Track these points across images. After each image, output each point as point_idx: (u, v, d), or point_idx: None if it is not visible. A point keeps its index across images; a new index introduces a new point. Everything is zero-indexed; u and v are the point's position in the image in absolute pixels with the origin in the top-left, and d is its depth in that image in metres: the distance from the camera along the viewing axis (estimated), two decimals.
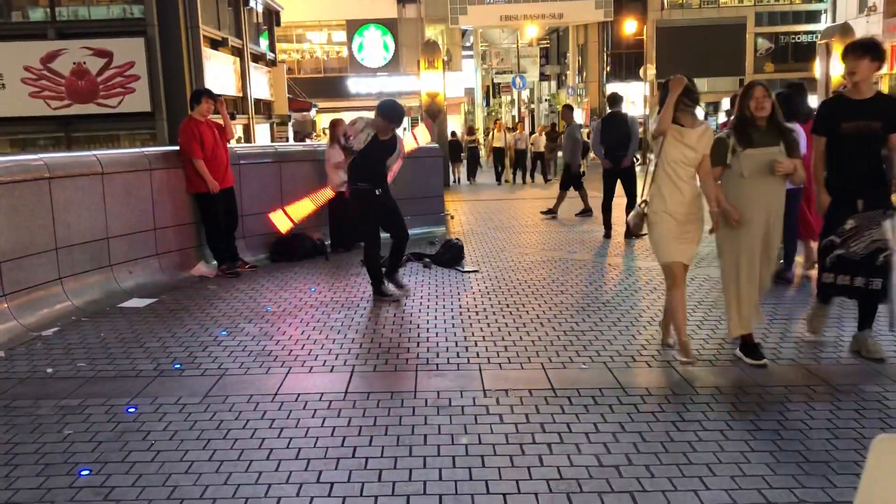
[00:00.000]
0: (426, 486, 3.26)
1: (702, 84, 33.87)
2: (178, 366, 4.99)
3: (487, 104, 53.89)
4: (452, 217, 12.95)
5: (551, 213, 12.86)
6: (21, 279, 5.96)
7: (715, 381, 4.48)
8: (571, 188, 12.98)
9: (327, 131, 9.75)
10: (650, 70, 40.40)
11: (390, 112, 6.70)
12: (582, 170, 14.14)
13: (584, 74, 46.68)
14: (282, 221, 8.33)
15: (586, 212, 12.82)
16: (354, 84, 37.20)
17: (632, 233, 4.06)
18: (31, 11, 21.12)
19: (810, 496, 3.12)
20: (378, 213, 6.84)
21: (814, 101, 14.67)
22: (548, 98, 51.99)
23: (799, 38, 43.04)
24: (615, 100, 10.54)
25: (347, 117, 10.57)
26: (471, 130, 30.38)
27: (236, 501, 3.17)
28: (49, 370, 4.95)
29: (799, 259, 7.30)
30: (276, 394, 4.43)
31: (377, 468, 3.44)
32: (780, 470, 3.35)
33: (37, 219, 6.16)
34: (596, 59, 45.50)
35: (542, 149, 24.44)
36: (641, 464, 3.43)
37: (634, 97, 43.04)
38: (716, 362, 4.85)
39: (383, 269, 6.90)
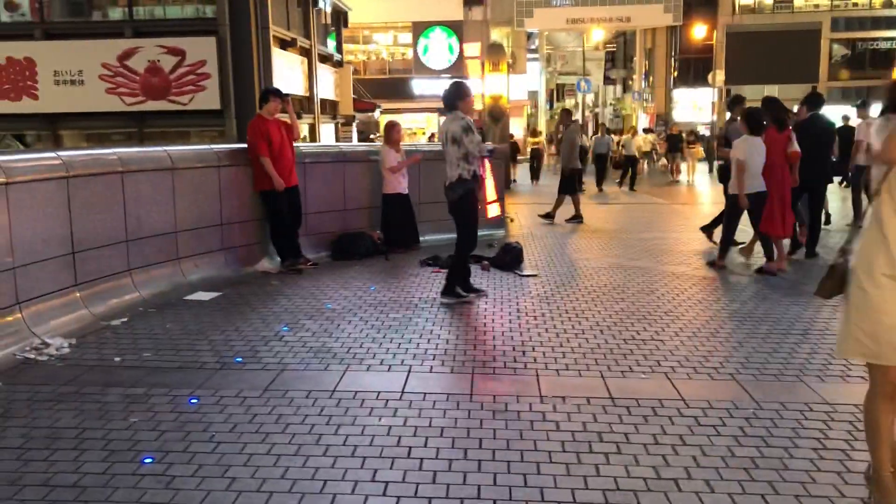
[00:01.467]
0: (480, 491, 3.24)
1: (772, 91, 33.05)
2: (239, 359, 5.09)
3: (551, 107, 53.55)
4: (512, 220, 12.92)
5: (549, 217, 13.08)
6: (93, 270, 6.16)
7: (780, 397, 4.35)
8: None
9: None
10: (719, 75, 39.59)
11: (445, 100, 6.66)
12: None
13: (651, 79, 46.03)
14: (493, 209, 8.02)
15: (576, 218, 12.85)
16: (419, 85, 37.42)
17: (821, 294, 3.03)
18: (111, 11, 21.83)
19: None
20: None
21: None
22: (612, 102, 51.45)
23: (877, 45, 41.58)
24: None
25: (410, 119, 10.62)
26: (534, 132, 30.32)
27: (292, 496, 3.21)
28: (117, 359, 5.10)
29: None
30: (333, 390, 4.48)
31: (432, 469, 3.44)
32: (848, 492, 3.23)
33: (109, 211, 6.36)
34: (663, 63, 44.84)
35: (634, 151, 22.46)
36: (701, 478, 3.36)
37: (702, 103, 42.23)
38: (781, 377, 4.71)
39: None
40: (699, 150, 27.94)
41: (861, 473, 3.35)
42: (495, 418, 4.05)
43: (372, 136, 33.53)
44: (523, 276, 7.95)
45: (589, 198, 17.60)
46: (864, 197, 12.37)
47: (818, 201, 9.07)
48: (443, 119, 6.76)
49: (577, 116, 37.85)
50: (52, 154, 5.97)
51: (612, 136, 28.16)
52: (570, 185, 13.05)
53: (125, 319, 6.07)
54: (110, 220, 6.38)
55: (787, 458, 3.56)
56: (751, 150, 7.86)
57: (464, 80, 7.27)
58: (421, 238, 9.75)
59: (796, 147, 8.12)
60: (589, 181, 20.77)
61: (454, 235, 6.77)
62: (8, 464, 3.51)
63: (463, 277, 6.92)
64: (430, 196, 9.85)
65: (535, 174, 24.90)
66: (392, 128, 9.83)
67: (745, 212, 8.14)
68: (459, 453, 3.62)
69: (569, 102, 49.42)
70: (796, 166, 8.25)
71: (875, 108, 11.26)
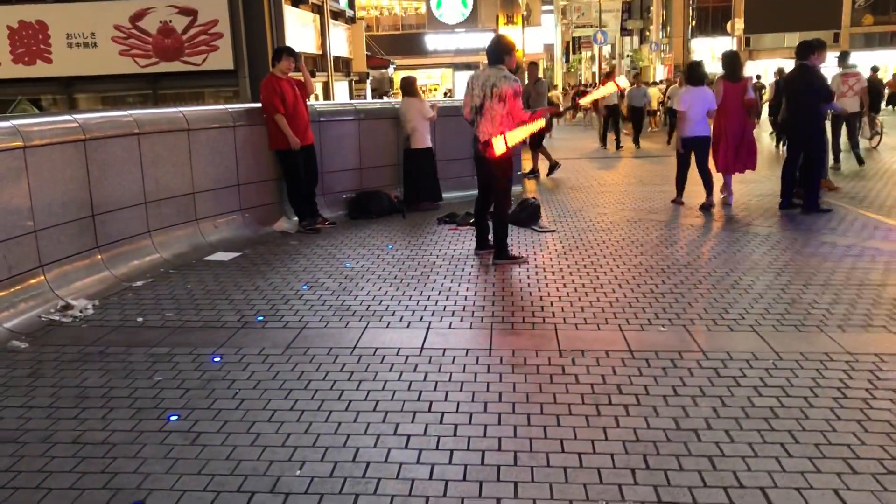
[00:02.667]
0: (501, 443, 3.28)
1: (793, 39, 32.36)
2: (260, 318, 5.14)
3: (567, 60, 52.81)
4: (536, 176, 12.85)
5: (553, 170, 13.16)
6: (113, 232, 6.22)
7: (800, 348, 4.34)
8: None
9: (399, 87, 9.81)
10: (738, 24, 38.83)
11: (490, 53, 6.54)
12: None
13: (668, 29, 45.22)
14: (500, 145, 8.09)
15: (556, 166, 13.19)
16: (432, 41, 36.99)
17: None
18: None
19: None
20: None
21: None
22: (629, 54, 50.65)
23: None
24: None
25: (424, 75, 10.53)
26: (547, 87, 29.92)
27: (316, 450, 3.26)
28: (139, 319, 5.17)
29: None
30: (354, 347, 4.52)
31: (452, 423, 3.48)
32: (868, 440, 3.24)
33: (127, 173, 6.39)
34: (681, 13, 43.98)
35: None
36: (721, 428, 3.37)
37: (721, 53, 41.44)
38: (801, 328, 4.70)
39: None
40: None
41: (881, 422, 3.35)
42: (514, 372, 4.08)
43: (388, 91, 33.30)
44: (541, 231, 7.93)
45: (631, 154, 17.43)
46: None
47: (810, 156, 8.63)
48: (482, 72, 6.55)
49: (595, 69, 37.31)
50: (69, 117, 5.99)
51: (655, 86, 27.23)
52: (539, 139, 13.15)
53: (147, 280, 6.13)
54: (128, 183, 6.41)
55: (806, 407, 3.57)
56: (691, 100, 9.06)
57: (507, 35, 7.12)
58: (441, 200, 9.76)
59: (751, 95, 9.32)
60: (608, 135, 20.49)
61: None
62: (38, 422, 3.59)
63: (481, 234, 6.92)
64: (446, 153, 9.80)
65: (548, 126, 24.58)
66: (415, 81, 9.80)
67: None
68: (480, 407, 3.65)
69: (585, 55, 48.76)
70: (754, 111, 9.69)
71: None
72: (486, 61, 6.69)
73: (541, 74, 15.76)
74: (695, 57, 43.39)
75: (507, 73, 6.43)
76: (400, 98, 10.15)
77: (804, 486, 2.88)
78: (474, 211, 7.04)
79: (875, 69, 15.36)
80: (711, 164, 9.19)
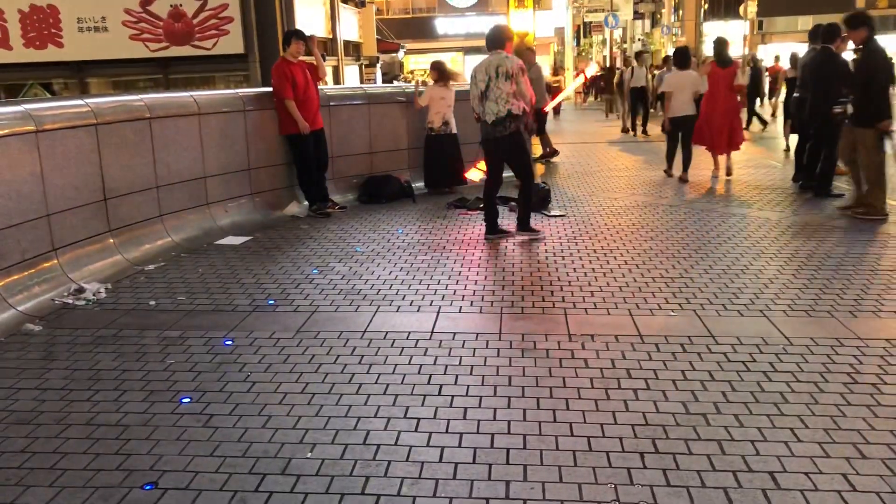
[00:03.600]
0: (510, 426, 3.30)
1: (806, 22, 32.04)
2: (271, 302, 5.17)
3: (578, 44, 52.46)
4: (548, 161, 12.79)
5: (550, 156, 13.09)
6: (125, 216, 6.25)
7: (810, 333, 4.33)
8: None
9: (426, 73, 9.76)
10: (751, 7, 38.44)
11: (490, 41, 6.84)
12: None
13: (680, 13, 44.84)
14: (475, 174, 8.22)
15: (553, 153, 13.08)
16: (442, 24, 36.84)
17: None
18: None
19: None
20: None
21: None
22: (641, 38, 50.24)
23: None
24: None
25: (434, 59, 10.49)
26: (556, 71, 29.73)
27: (327, 433, 3.29)
28: (152, 303, 5.21)
29: None
30: (365, 331, 4.54)
31: (462, 406, 3.50)
32: (878, 425, 3.23)
33: (139, 158, 6.42)
34: None
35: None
36: (730, 413, 3.38)
37: (733, 36, 41.09)
38: (812, 313, 4.69)
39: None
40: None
41: (891, 407, 3.35)
42: (524, 356, 4.09)
43: (398, 75, 33.18)
44: (551, 216, 7.92)
45: (642, 137, 17.33)
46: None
47: (819, 141, 8.66)
48: (483, 57, 6.86)
49: (606, 53, 37.09)
50: (81, 101, 6.01)
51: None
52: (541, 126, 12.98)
53: (159, 264, 6.17)
54: (140, 167, 6.44)
55: (816, 392, 3.57)
56: (678, 83, 10.15)
57: (504, 24, 7.39)
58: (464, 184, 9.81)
59: (740, 80, 10.16)
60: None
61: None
62: (53, 404, 3.63)
63: (492, 219, 6.96)
64: (461, 137, 9.76)
65: (555, 111, 24.48)
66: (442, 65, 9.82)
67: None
68: (489, 390, 3.67)
69: (596, 39, 48.40)
70: (743, 94, 10.71)
71: None
72: None
73: (552, 58, 15.61)
74: (707, 41, 43.05)
75: (507, 55, 6.69)
76: (414, 83, 10.10)
77: (813, 471, 2.89)
78: (484, 196, 7.09)
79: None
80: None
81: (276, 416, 3.45)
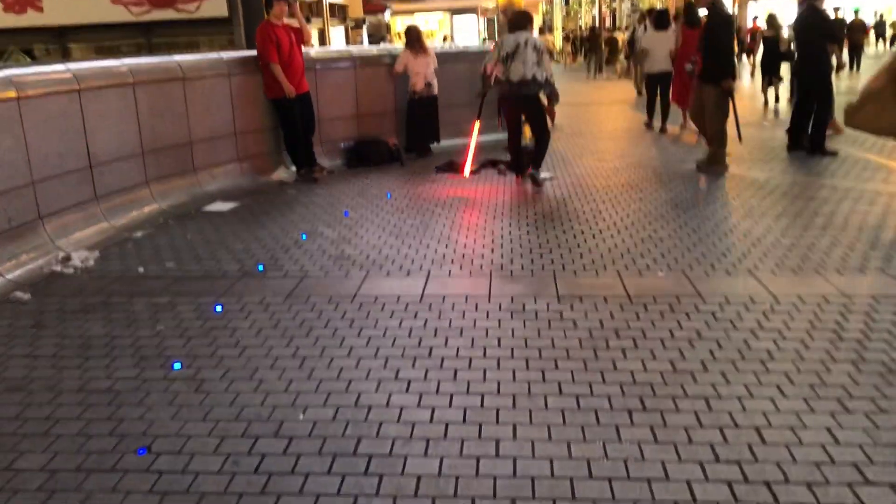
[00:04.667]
0: (500, 386, 3.33)
1: None
2: (261, 267, 5.16)
3: (566, 3, 51.87)
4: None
5: None
6: (111, 182, 6.20)
7: (797, 290, 4.37)
8: None
9: (404, 35, 9.66)
10: None
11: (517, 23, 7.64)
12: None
13: None
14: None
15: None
16: None
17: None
18: None
19: (893, 407, 3.06)
20: None
21: None
22: None
23: None
24: None
25: (422, 20, 10.37)
26: (541, 31, 29.47)
27: (318, 396, 3.31)
28: (140, 269, 5.19)
29: None
30: (355, 295, 4.55)
31: (452, 368, 3.53)
32: (861, 379, 3.28)
33: (123, 124, 6.35)
34: None
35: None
36: (717, 370, 3.42)
37: None
38: (799, 271, 4.73)
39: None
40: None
41: (875, 363, 3.40)
42: (513, 318, 4.11)
43: (385, 37, 32.81)
44: (539, 178, 7.89)
45: (633, 100, 17.26)
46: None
47: (809, 99, 8.79)
48: (510, 36, 7.53)
49: (595, 12, 36.71)
50: (62, 67, 5.92)
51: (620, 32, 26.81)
52: None
53: (146, 231, 6.14)
54: (125, 133, 6.38)
55: (802, 349, 3.61)
56: (655, 42, 11.15)
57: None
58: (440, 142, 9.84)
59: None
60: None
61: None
62: (44, 371, 3.64)
63: (518, 162, 7.84)
64: (443, 100, 9.70)
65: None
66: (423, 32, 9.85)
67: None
68: (479, 352, 3.70)
69: None
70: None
71: None
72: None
73: (540, 18, 15.37)
74: None
75: (534, 36, 7.52)
76: (401, 46, 9.99)
77: (798, 426, 2.93)
78: (511, 145, 7.92)
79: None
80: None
81: (267, 380, 3.47)
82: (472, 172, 8.29)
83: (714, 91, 7.79)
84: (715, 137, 7.95)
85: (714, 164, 7.98)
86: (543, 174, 8.02)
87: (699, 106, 8.13)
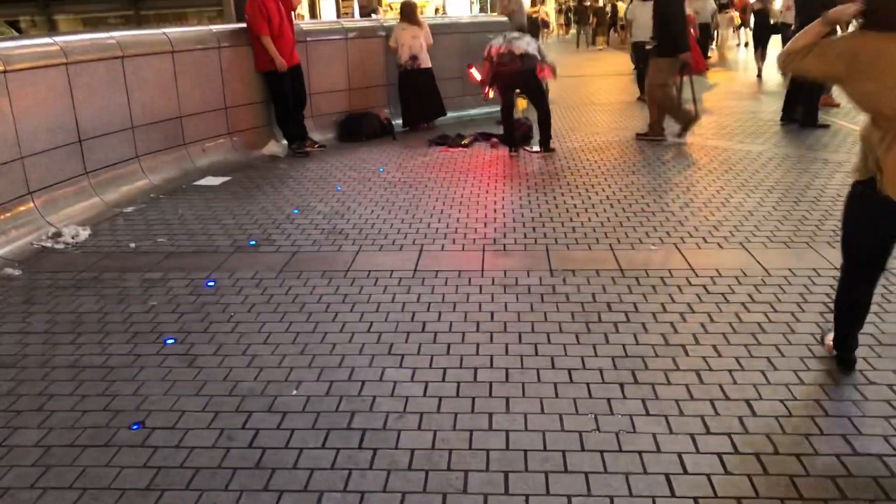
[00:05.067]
0: (492, 360, 3.34)
1: None
2: (253, 242, 5.15)
3: None
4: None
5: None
6: (101, 157, 6.15)
7: (789, 264, 4.39)
8: None
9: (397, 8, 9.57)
10: None
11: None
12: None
13: None
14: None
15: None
16: None
17: None
18: None
19: (881, 377, 3.09)
20: None
21: None
22: None
23: None
24: None
25: None
26: (533, 2, 29.16)
27: (312, 371, 3.32)
28: (132, 245, 5.17)
29: None
30: (347, 270, 4.55)
31: (445, 342, 3.54)
32: None
33: (112, 98, 6.28)
34: None
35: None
36: (709, 344, 3.44)
37: None
38: (791, 244, 4.74)
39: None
40: (734, 15, 21.23)
41: (865, 335, 3.42)
42: (506, 292, 4.12)
43: (376, 9, 32.44)
44: (533, 151, 7.88)
45: (629, 71, 17.12)
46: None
47: None
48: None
49: None
50: (49, 40, 5.84)
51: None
52: None
53: (137, 206, 6.11)
54: (114, 107, 6.31)
55: (793, 322, 3.64)
56: (638, 12, 11.12)
57: None
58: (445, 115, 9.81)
59: (690, 12, 10.43)
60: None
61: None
62: (36, 347, 3.63)
63: (509, 135, 7.91)
64: (436, 73, 9.61)
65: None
66: (417, 6, 9.66)
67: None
68: (472, 326, 3.71)
69: None
70: (695, 25, 11.94)
71: None
72: None
73: None
74: None
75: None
76: (395, 20, 9.86)
77: (788, 398, 2.96)
78: (504, 121, 7.95)
79: None
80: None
81: (260, 356, 3.48)
82: (464, 146, 8.27)
83: (665, 63, 8.06)
84: (667, 107, 8.22)
85: (652, 128, 8.36)
86: (536, 147, 8.00)
87: (653, 77, 8.30)
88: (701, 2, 14.68)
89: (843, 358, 3.19)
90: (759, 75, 14.22)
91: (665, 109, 8.26)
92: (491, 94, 8.25)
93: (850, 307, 3.13)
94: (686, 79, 8.53)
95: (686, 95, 8.60)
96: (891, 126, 2.72)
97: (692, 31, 11.08)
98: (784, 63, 3.00)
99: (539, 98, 7.83)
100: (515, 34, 7.73)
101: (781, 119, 9.04)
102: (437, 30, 9.67)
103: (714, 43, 18.47)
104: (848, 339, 3.17)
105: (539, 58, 7.58)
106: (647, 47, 8.53)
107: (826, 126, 8.55)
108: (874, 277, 3.08)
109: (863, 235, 3.01)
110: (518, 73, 7.54)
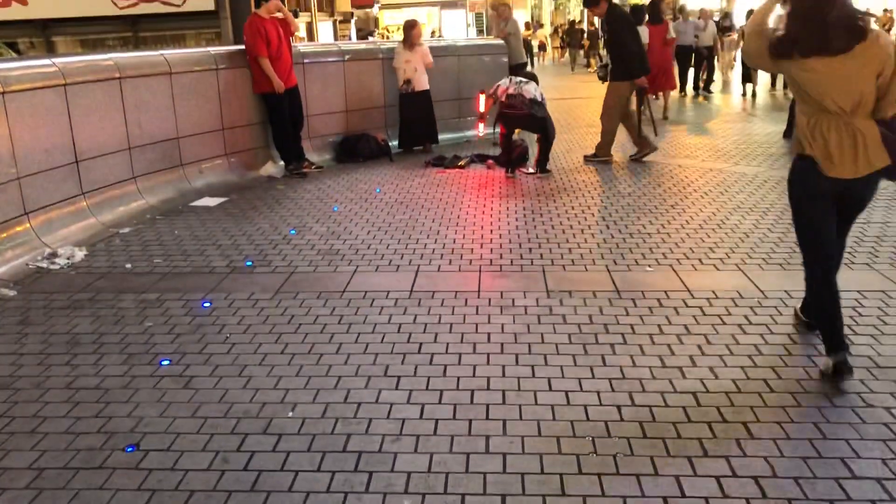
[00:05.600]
0: (490, 382, 3.33)
1: None
2: (249, 263, 5.14)
3: None
4: None
5: None
6: (97, 178, 6.16)
7: (785, 286, 4.39)
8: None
9: (399, 29, 9.62)
10: None
11: None
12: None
13: None
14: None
15: None
16: None
17: None
18: None
19: (878, 400, 3.08)
20: None
21: None
22: None
23: None
24: None
25: (411, 14, 10.30)
26: (527, 25, 29.41)
27: (308, 392, 3.30)
28: (128, 265, 5.16)
29: None
30: (343, 291, 4.54)
31: (442, 364, 3.53)
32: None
33: (109, 119, 6.30)
34: None
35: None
36: (706, 366, 3.43)
37: None
38: (787, 266, 4.75)
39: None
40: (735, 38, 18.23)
41: (861, 357, 3.42)
42: (503, 313, 4.12)
43: (373, 31, 32.69)
44: (528, 173, 7.91)
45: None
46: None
47: None
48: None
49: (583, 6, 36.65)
50: (48, 61, 5.87)
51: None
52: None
53: (134, 226, 6.10)
54: (111, 128, 6.33)
55: (790, 344, 3.63)
56: None
57: None
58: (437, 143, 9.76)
59: (672, 34, 12.14)
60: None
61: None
62: (31, 368, 3.61)
63: (507, 157, 7.95)
64: (433, 95, 9.66)
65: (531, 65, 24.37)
66: (416, 26, 9.62)
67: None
68: (468, 347, 3.70)
69: None
70: (672, 48, 12.56)
71: None
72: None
73: (528, 11, 15.19)
74: None
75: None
76: (396, 41, 9.92)
77: (785, 420, 2.95)
78: (502, 143, 8.01)
79: None
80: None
81: (256, 377, 3.46)
82: (461, 167, 8.29)
83: (623, 87, 8.21)
84: (608, 129, 8.42)
85: (599, 152, 8.50)
86: (533, 169, 8.02)
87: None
88: (692, 26, 14.79)
89: (842, 358, 3.25)
90: (745, 95, 14.67)
91: (609, 133, 8.43)
92: (482, 133, 8.30)
93: (831, 299, 3.31)
94: (644, 103, 8.68)
95: (645, 119, 8.77)
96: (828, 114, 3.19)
97: (670, 53, 12.23)
98: (746, 48, 3.41)
99: (546, 130, 7.79)
100: (523, 79, 7.87)
101: (785, 135, 9.31)
102: (434, 52, 9.73)
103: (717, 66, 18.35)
104: (839, 334, 3.29)
105: (545, 105, 7.70)
106: (597, 74, 8.64)
107: None
108: (834, 256, 3.42)
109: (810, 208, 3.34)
110: (527, 117, 7.64)
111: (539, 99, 7.66)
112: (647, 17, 12.11)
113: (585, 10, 34.99)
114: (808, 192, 3.31)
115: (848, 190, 3.24)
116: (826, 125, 3.17)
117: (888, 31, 11.70)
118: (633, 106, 8.51)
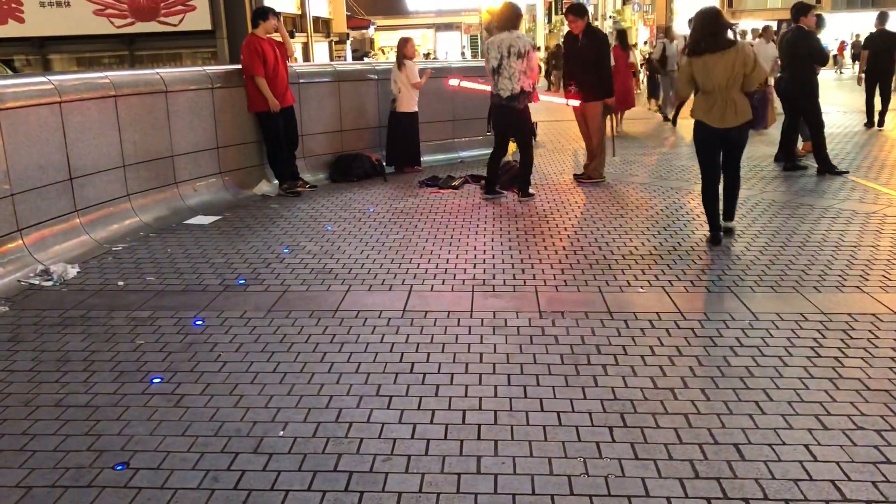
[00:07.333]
0: (482, 403, 3.33)
1: (775, 1, 32.06)
2: (242, 281, 5.14)
3: (549, 21, 52.35)
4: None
5: None
6: (91, 195, 6.16)
7: (776, 308, 4.41)
8: None
9: (393, 50, 9.66)
10: None
11: (505, 21, 7.54)
12: None
13: None
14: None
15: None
16: (413, 1, 36.48)
17: None
18: None
19: (869, 423, 3.09)
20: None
21: None
22: (612, 15, 50.24)
23: None
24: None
25: (405, 34, 10.36)
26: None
27: (299, 411, 3.29)
28: (120, 283, 5.15)
29: None
30: (336, 310, 4.54)
31: (434, 383, 3.53)
32: (839, 397, 3.32)
33: (104, 136, 6.32)
34: None
35: None
36: (697, 387, 3.44)
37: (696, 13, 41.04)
38: (777, 288, 4.78)
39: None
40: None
41: (852, 380, 3.44)
42: (495, 333, 4.12)
43: (368, 52, 32.88)
44: (519, 198, 7.93)
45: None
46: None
47: (797, 116, 9.03)
48: (496, 37, 7.48)
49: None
50: (43, 79, 5.90)
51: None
52: None
53: (127, 244, 6.10)
54: (106, 146, 6.34)
55: (781, 366, 3.65)
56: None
57: (514, 2, 7.75)
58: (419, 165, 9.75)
59: (633, 60, 13.94)
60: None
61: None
62: (20, 386, 3.60)
63: (492, 181, 7.75)
64: (428, 116, 9.73)
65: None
66: (407, 43, 9.62)
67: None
68: (461, 367, 3.70)
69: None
70: (636, 70, 15.45)
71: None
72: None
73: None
74: (677, 18, 43.12)
75: (519, 34, 7.41)
76: (386, 60, 9.98)
77: (776, 442, 2.96)
78: (489, 159, 7.82)
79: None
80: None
81: (247, 396, 3.45)
82: (454, 188, 8.33)
83: (597, 107, 8.30)
84: (596, 150, 8.49)
85: (592, 174, 8.58)
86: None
87: (584, 123, 8.54)
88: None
89: (715, 235, 5.83)
90: (666, 119, 15.04)
91: (595, 151, 8.53)
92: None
93: (712, 199, 5.80)
94: (609, 122, 8.93)
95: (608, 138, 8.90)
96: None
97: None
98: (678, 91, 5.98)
99: (521, 139, 7.70)
100: (501, 55, 7.43)
101: (785, 168, 9.20)
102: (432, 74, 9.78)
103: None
104: (716, 221, 5.84)
105: (528, 91, 7.43)
106: (572, 103, 8.51)
107: (804, 167, 8.85)
108: (716, 178, 5.80)
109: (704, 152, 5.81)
110: (506, 109, 7.46)
111: (516, 92, 7.35)
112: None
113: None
114: (701, 137, 5.73)
115: (727, 134, 5.61)
116: (711, 98, 5.57)
117: (766, 42, 13.28)
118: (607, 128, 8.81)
